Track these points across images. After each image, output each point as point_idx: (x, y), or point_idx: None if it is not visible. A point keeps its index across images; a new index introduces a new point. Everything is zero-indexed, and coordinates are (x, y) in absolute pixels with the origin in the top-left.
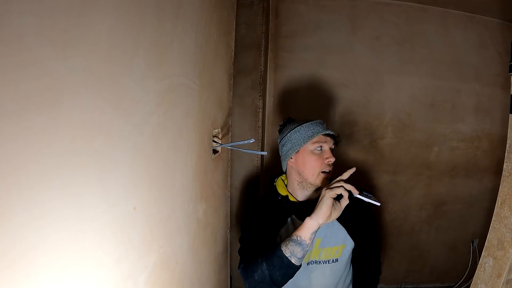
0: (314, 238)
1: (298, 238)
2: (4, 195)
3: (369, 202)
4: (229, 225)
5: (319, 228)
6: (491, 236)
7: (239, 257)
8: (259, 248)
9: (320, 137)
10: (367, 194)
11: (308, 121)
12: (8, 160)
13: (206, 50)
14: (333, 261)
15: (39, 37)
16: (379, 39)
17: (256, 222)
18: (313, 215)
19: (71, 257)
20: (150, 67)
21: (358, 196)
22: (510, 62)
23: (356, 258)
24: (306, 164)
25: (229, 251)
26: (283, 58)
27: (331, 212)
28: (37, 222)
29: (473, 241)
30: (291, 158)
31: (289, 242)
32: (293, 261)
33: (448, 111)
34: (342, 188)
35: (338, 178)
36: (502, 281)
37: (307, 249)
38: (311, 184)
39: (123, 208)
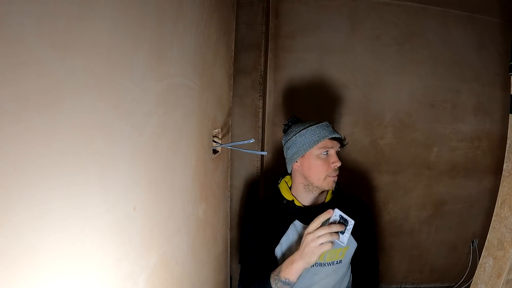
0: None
1: (287, 280)
2: (4, 195)
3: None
4: (229, 225)
5: None
6: (491, 236)
7: (238, 260)
8: (256, 269)
9: (326, 141)
10: (346, 220)
11: (314, 123)
12: (8, 160)
13: (206, 50)
14: (336, 263)
15: (39, 38)
16: (379, 39)
17: (255, 235)
18: (301, 262)
19: (71, 257)
20: (150, 68)
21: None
22: (510, 62)
23: (356, 258)
24: (311, 168)
25: (229, 251)
26: (283, 58)
27: None
28: (37, 222)
29: (473, 241)
30: (297, 161)
31: (278, 282)
32: None
33: (448, 111)
34: (330, 244)
35: (320, 224)
36: (502, 281)
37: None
38: (318, 188)
39: (123, 208)
